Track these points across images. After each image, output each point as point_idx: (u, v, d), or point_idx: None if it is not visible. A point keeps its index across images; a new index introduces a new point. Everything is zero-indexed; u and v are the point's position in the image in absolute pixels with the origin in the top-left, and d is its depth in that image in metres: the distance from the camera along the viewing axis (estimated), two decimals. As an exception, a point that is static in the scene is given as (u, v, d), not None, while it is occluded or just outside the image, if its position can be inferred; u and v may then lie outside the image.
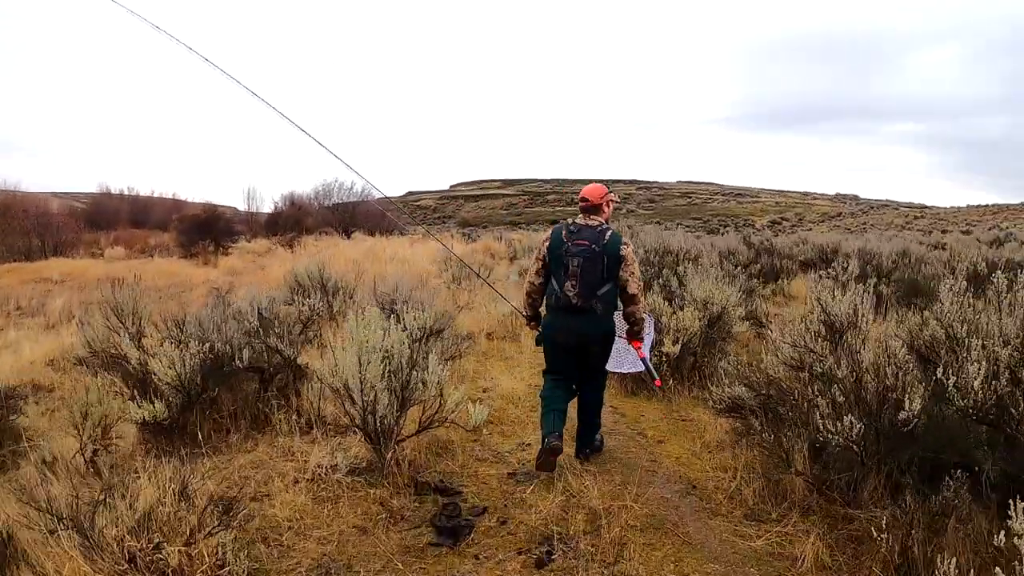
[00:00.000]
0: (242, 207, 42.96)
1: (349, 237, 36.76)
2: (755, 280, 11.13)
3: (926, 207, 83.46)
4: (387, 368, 4.05)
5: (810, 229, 71.59)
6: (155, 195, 48.81)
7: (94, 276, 18.78)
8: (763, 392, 4.43)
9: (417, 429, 4.31)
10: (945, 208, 78.57)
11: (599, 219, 4.29)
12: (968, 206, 74.09)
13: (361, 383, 3.89)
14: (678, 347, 5.91)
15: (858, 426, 3.30)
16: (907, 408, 3.29)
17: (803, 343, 4.03)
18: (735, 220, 76.97)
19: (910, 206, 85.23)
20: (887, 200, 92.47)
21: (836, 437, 3.30)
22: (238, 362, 5.34)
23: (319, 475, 4.08)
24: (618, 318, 4.43)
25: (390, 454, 4.12)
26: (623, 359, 4.75)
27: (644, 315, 4.37)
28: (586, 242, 4.10)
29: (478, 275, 10.73)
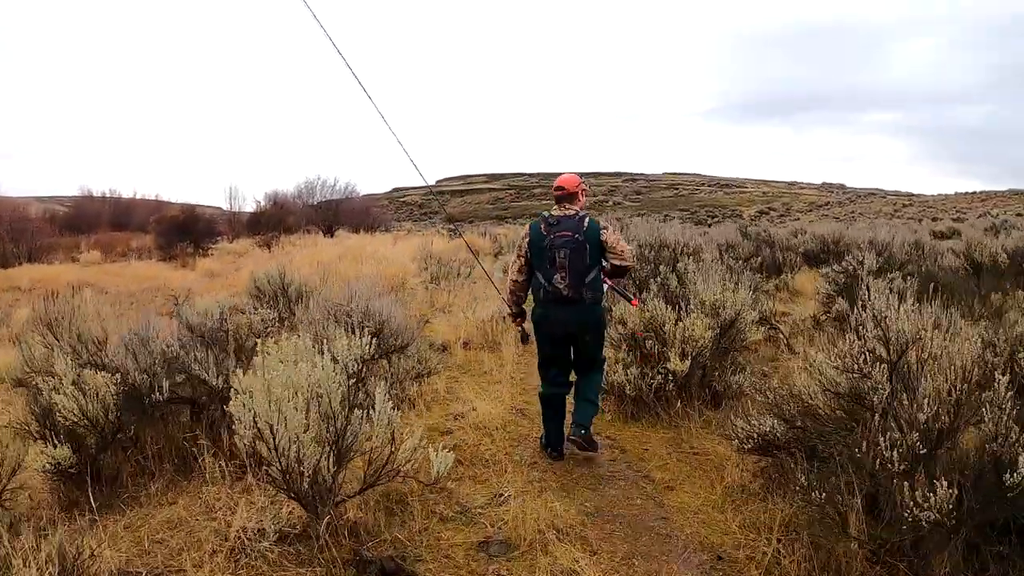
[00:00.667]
0: (225, 207, 41.75)
1: (332, 235, 35.81)
2: (758, 275, 10.20)
3: (913, 195, 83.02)
4: (317, 412, 3.06)
5: (798, 219, 71.03)
6: (138, 197, 47.45)
7: (66, 282, 17.87)
8: (798, 425, 3.49)
9: (361, 487, 3.31)
10: (932, 196, 78.08)
11: (575, 207, 4.26)
12: (956, 194, 73.59)
13: (275, 437, 2.88)
14: (687, 362, 4.92)
15: (954, 494, 2.35)
16: (1020, 469, 2.34)
17: (856, 366, 3.06)
18: (723, 211, 76.40)
19: (896, 194, 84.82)
20: (873, 189, 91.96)
21: (929, 512, 2.34)
22: (158, 394, 4.35)
23: (241, 544, 3.10)
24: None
25: (326, 519, 3.14)
26: None
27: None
28: (569, 232, 4.10)
29: (483, 272, 9.72)
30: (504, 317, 7.29)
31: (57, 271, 21.32)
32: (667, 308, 5.32)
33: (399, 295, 11.28)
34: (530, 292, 4.38)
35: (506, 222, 68.02)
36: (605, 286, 4.35)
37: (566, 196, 4.27)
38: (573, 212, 4.22)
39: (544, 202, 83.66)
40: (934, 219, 48.21)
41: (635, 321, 5.56)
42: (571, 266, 4.05)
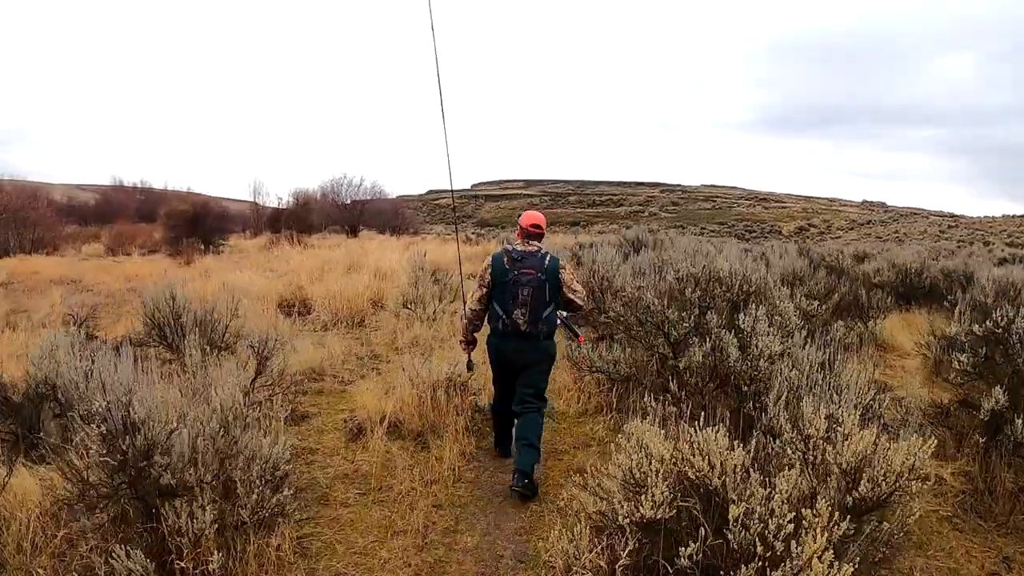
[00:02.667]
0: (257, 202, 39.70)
1: (355, 236, 33.50)
2: (839, 323, 7.26)
3: (956, 216, 78.02)
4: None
5: (839, 236, 67.25)
6: (169, 188, 45.89)
7: (47, 278, 15.77)
8: None
9: None
10: (977, 218, 73.09)
11: (539, 244, 4.28)
12: (1004, 216, 68.54)
13: None
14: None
15: None
16: None
17: None
18: (761, 226, 72.61)
19: (939, 214, 79.81)
20: (915, 208, 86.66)
21: None
22: None
23: None
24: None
25: None
26: None
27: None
28: (532, 270, 4.10)
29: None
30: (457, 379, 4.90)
31: (44, 264, 19.30)
32: (734, 444, 2.49)
33: (368, 323, 8.59)
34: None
35: (540, 228, 65.19)
36: (558, 320, 4.35)
37: (536, 235, 4.31)
38: (536, 248, 4.24)
39: (579, 210, 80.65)
40: (986, 243, 44.35)
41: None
42: (533, 303, 4.07)
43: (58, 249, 23.99)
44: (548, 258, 4.18)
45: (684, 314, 4.68)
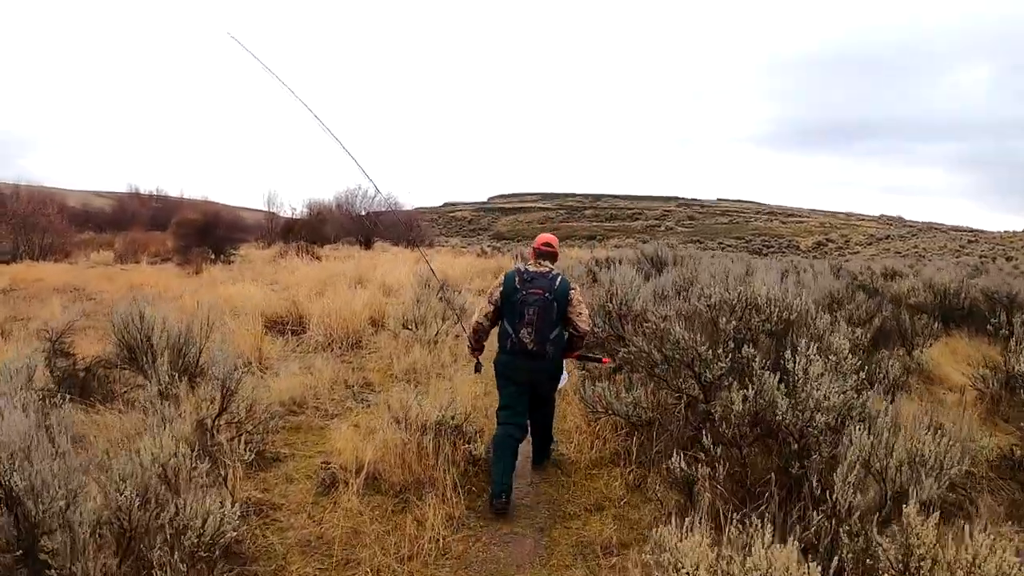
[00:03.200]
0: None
1: (369, 248, 32.93)
2: (882, 351, 6.44)
3: (975, 230, 76.28)
4: None
5: (857, 252, 65.94)
6: (184, 197, 45.67)
7: (51, 285, 15.24)
8: None
9: None
10: (997, 232, 71.39)
11: (550, 265, 4.32)
12: (1024, 230, 66.82)
13: None
14: None
15: None
16: None
17: None
18: (779, 241, 71.44)
19: (957, 229, 78.07)
20: (933, 222, 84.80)
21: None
22: None
23: None
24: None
25: None
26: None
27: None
28: (540, 291, 4.11)
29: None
30: (453, 429, 4.05)
31: (53, 271, 18.88)
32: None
33: (365, 344, 7.89)
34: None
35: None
36: (564, 338, 4.29)
37: (549, 255, 4.35)
38: (547, 270, 4.25)
39: (595, 224, 79.84)
40: (1008, 258, 43.16)
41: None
42: (539, 323, 4.06)
43: (68, 256, 23.65)
44: (559, 280, 4.19)
45: (719, 351, 3.91)
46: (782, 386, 3.65)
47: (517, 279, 4.16)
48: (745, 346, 4.17)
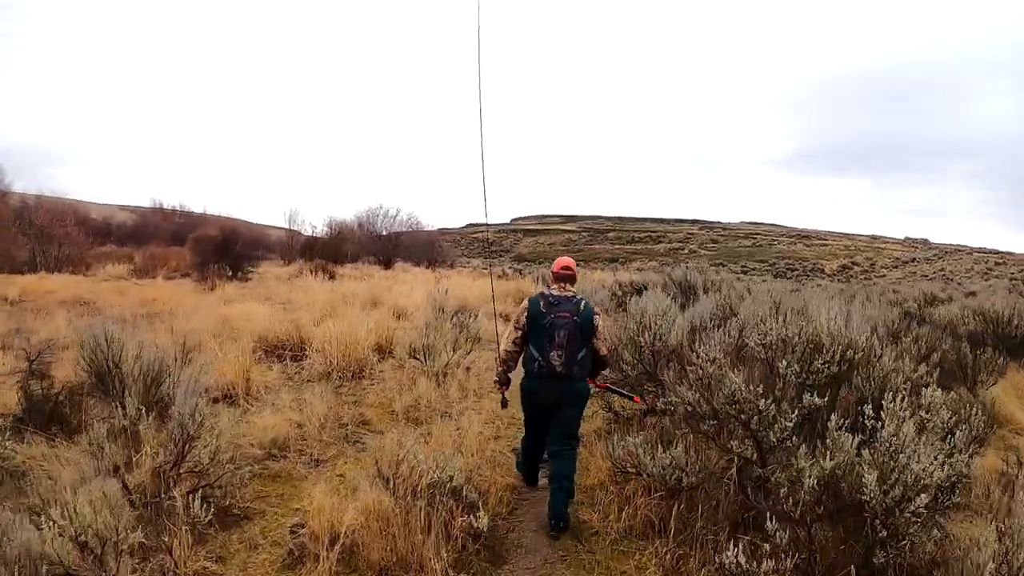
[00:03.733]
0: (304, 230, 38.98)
1: (390, 268, 32.38)
2: (947, 393, 5.59)
3: (1001, 252, 74.13)
4: None
5: (883, 275, 64.23)
6: (207, 212, 45.69)
7: (61, 298, 14.86)
8: None
9: None
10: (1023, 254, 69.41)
11: (573, 289, 4.32)
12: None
13: None
14: None
15: None
16: None
17: None
18: (803, 264, 69.93)
19: (982, 251, 75.86)
20: (959, 244, 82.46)
21: None
22: None
23: None
24: None
25: None
26: None
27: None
28: (568, 314, 4.10)
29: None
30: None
31: (65, 283, 18.54)
32: None
33: (369, 373, 7.17)
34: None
35: (578, 265, 63.22)
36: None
37: (568, 278, 4.34)
38: (571, 294, 4.26)
39: (617, 246, 78.86)
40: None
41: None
42: (568, 345, 4.04)
43: (89, 268, 23.38)
44: (583, 304, 4.19)
45: (783, 405, 3.12)
46: (865, 452, 2.87)
47: (543, 303, 4.15)
48: (806, 394, 3.38)
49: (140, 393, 4.73)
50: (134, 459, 3.88)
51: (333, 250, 32.57)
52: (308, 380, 6.79)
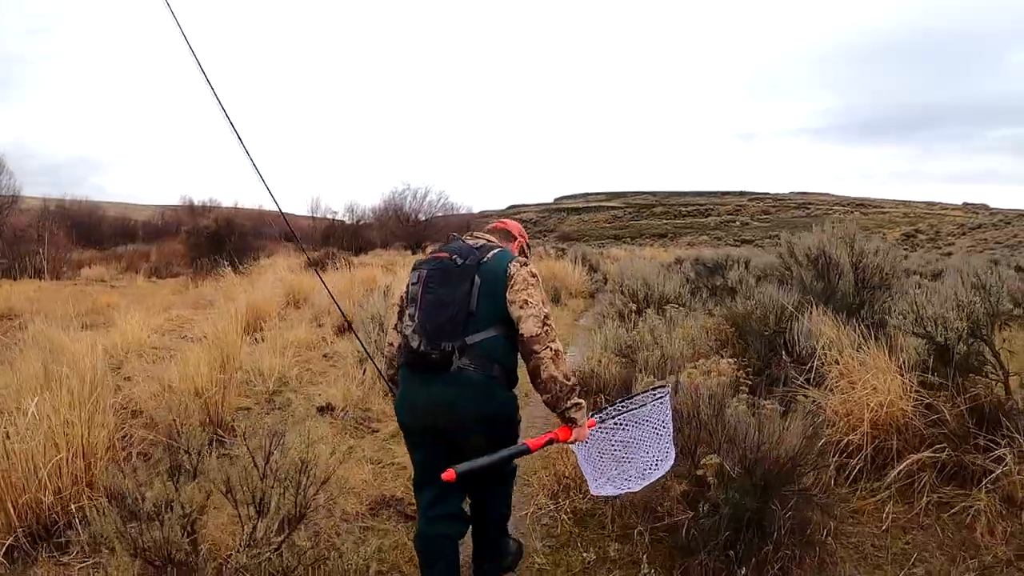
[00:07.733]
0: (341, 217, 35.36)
1: (416, 253, 28.28)
2: None
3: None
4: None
5: (952, 243, 57.20)
6: (238, 207, 42.40)
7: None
8: None
9: None
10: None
11: (493, 239, 2.40)
12: None
13: None
14: None
15: None
16: None
17: None
18: (864, 233, 63.04)
19: (1049, 214, 67.32)
20: (1020, 209, 73.55)
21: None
22: None
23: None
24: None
25: None
26: (605, 468, 2.18)
27: (562, 376, 2.07)
28: (445, 254, 2.22)
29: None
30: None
31: (20, 290, 15.04)
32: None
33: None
34: None
35: (623, 242, 57.92)
36: (500, 346, 2.12)
37: (498, 231, 2.53)
38: (481, 242, 2.31)
39: (665, 221, 73.16)
40: None
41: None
42: (429, 301, 2.12)
43: (61, 272, 20.23)
44: (495, 251, 2.21)
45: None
46: None
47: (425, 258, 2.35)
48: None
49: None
50: None
51: (354, 237, 28.58)
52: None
